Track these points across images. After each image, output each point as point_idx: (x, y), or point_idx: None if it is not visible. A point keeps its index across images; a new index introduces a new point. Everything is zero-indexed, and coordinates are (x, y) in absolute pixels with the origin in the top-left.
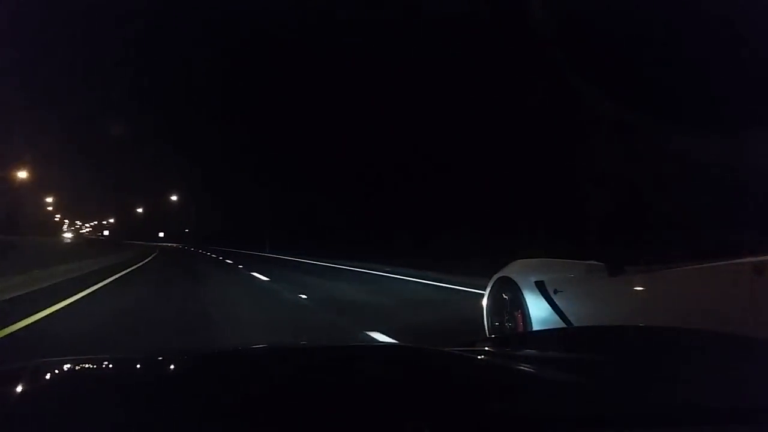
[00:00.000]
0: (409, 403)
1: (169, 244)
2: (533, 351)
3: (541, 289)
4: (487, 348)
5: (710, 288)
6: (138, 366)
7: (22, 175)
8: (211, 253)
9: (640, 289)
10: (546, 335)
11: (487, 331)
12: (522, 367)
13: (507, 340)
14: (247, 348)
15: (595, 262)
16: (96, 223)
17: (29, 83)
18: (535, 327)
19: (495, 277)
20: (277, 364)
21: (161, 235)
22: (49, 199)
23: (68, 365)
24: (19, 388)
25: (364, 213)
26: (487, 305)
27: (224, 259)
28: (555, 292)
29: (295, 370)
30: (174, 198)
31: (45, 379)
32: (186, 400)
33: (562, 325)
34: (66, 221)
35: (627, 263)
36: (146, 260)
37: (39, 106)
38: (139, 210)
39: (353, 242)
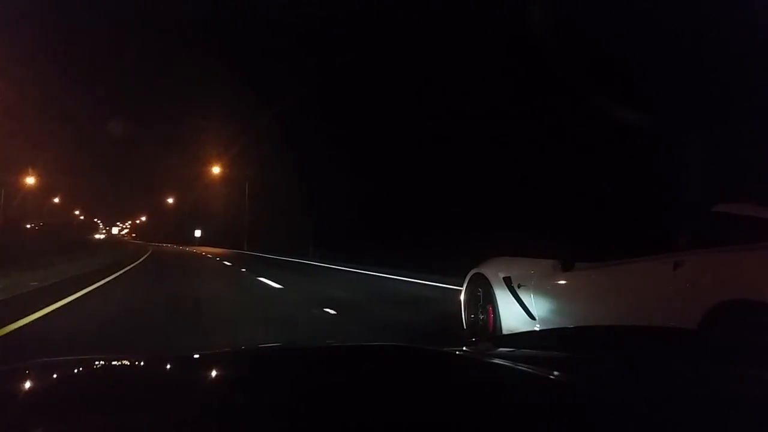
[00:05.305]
0: (410, 403)
1: (203, 251)
2: (534, 351)
3: (508, 284)
4: (487, 348)
5: (639, 281)
6: (138, 366)
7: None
8: None
9: (588, 282)
10: (547, 335)
11: (464, 324)
12: (522, 367)
13: (507, 340)
14: (247, 348)
15: (552, 259)
16: (130, 222)
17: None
18: (503, 320)
19: (471, 273)
20: (277, 364)
21: (197, 234)
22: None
23: (68, 365)
24: (19, 388)
25: None
26: (464, 300)
27: None
28: (519, 286)
29: (296, 370)
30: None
31: (45, 379)
32: (186, 401)
33: (526, 318)
34: (98, 221)
35: (578, 260)
36: None
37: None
38: (170, 200)
39: None
